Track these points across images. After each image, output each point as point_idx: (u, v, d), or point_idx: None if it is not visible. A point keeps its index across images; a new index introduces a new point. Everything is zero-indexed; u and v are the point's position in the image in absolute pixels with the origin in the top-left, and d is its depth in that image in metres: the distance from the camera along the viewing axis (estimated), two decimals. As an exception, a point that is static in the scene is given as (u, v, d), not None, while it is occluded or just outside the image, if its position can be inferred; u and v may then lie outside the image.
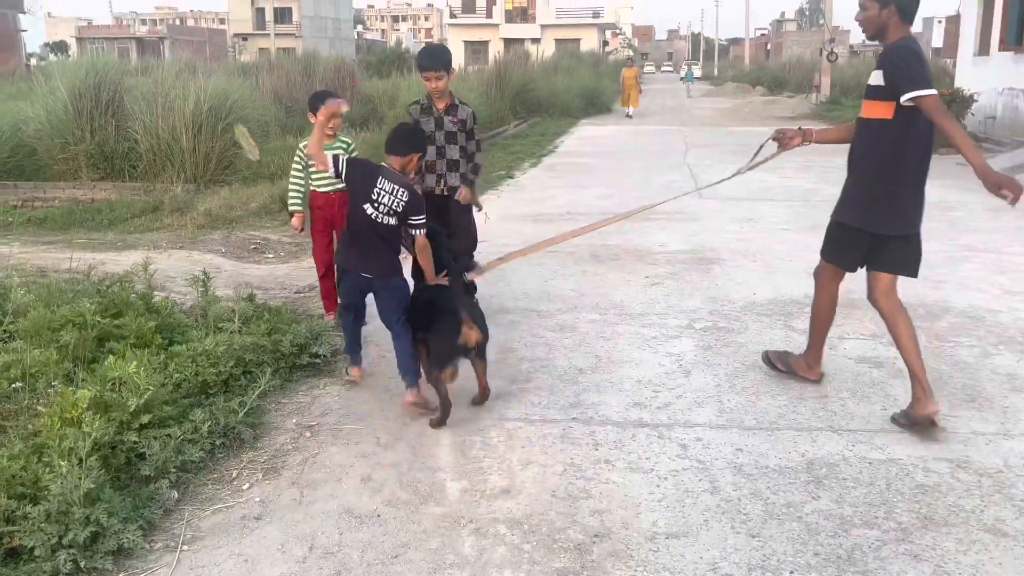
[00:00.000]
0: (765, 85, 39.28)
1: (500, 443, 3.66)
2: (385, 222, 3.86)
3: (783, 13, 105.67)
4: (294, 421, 3.88)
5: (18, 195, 10.54)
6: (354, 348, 4.27)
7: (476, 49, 56.61)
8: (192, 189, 10.60)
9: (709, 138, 18.15)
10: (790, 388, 4.21)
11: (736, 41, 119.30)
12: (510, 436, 3.72)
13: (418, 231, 3.91)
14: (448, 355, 3.74)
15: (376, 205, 3.83)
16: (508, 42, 53.47)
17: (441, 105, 5.21)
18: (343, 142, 5.16)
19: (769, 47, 77.30)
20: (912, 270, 3.75)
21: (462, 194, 5.30)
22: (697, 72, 70.26)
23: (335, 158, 3.91)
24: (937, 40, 50.39)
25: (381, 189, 3.82)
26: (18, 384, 3.59)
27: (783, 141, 4.10)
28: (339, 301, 4.33)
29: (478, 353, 3.83)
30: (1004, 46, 14.76)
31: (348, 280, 4.05)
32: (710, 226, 8.51)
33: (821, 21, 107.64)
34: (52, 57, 49.66)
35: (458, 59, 53.16)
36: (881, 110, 3.54)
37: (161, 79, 11.18)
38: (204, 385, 3.86)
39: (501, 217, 9.01)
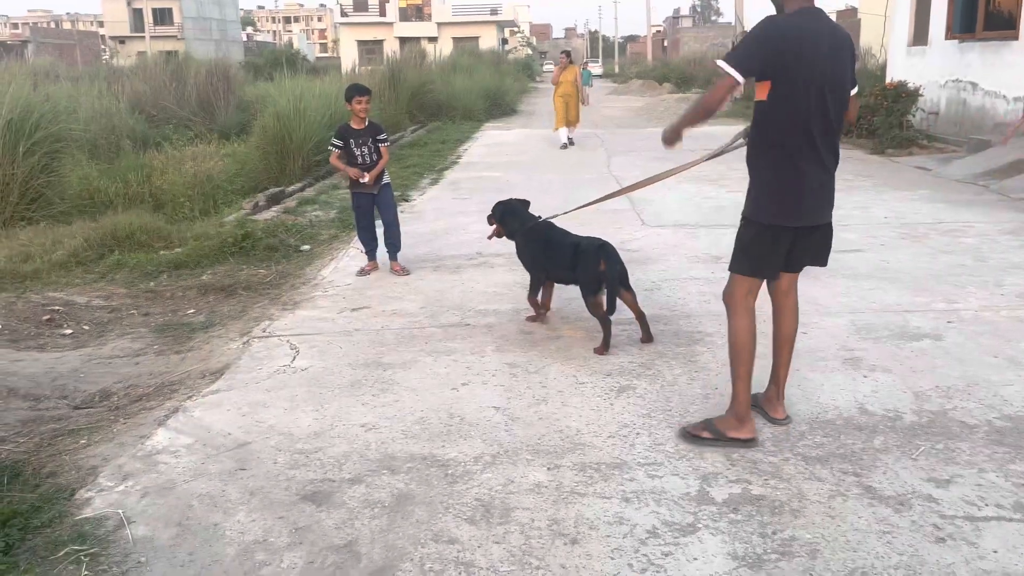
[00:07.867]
0: (672, 82, 37.98)
1: None
2: None
3: (677, 9, 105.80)
4: None
5: None
6: None
7: (370, 49, 54.28)
8: (-17, 231, 8.05)
9: (629, 143, 16.27)
10: None
11: (633, 38, 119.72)
12: None
13: None
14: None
15: None
16: (404, 41, 51.32)
17: None
18: None
19: (666, 43, 76.95)
20: None
21: None
22: (597, 70, 67.31)
23: None
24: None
25: None
26: None
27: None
28: None
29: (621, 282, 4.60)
30: (950, 34, 13.41)
31: None
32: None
33: (714, 17, 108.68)
34: None
35: (351, 59, 50.69)
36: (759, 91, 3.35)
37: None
38: None
39: (386, 268, 6.82)
